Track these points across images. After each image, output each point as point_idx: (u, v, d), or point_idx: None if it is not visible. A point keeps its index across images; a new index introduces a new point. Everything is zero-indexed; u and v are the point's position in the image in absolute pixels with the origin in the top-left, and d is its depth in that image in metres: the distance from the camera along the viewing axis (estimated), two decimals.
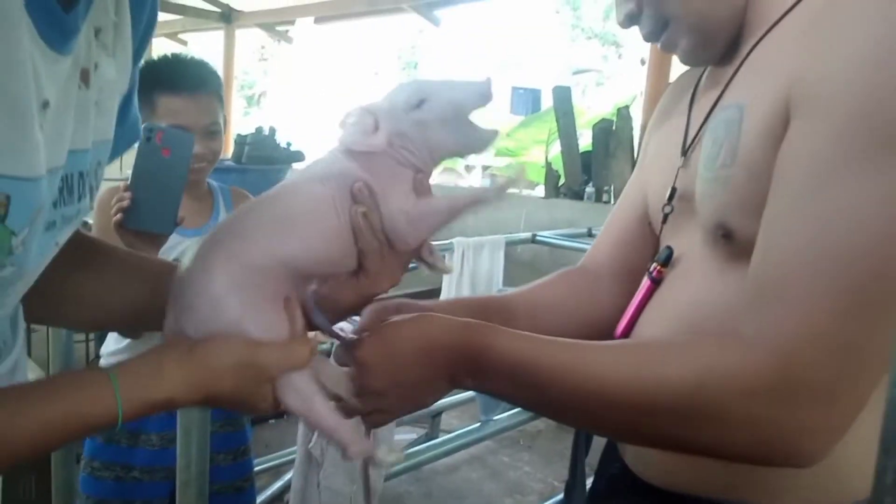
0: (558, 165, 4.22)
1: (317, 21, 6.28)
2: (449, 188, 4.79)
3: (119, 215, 1.11)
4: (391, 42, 17.00)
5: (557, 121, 3.91)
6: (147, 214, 1.10)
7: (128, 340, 1.33)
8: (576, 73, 17.67)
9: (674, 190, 0.71)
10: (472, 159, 9.75)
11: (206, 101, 1.37)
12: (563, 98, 3.88)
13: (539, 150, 5.59)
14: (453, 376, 0.61)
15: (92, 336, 2.77)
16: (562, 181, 3.98)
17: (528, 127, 5.62)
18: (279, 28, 7.15)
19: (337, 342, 0.66)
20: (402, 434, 2.81)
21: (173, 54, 1.47)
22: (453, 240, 2.61)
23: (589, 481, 0.85)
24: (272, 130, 3.83)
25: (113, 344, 1.39)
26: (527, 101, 18.69)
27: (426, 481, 2.66)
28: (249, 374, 0.54)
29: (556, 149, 4.38)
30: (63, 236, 0.55)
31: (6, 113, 0.42)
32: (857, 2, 0.53)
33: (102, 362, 1.42)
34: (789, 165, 0.53)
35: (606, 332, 0.78)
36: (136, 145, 1.07)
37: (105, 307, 0.69)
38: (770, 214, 0.54)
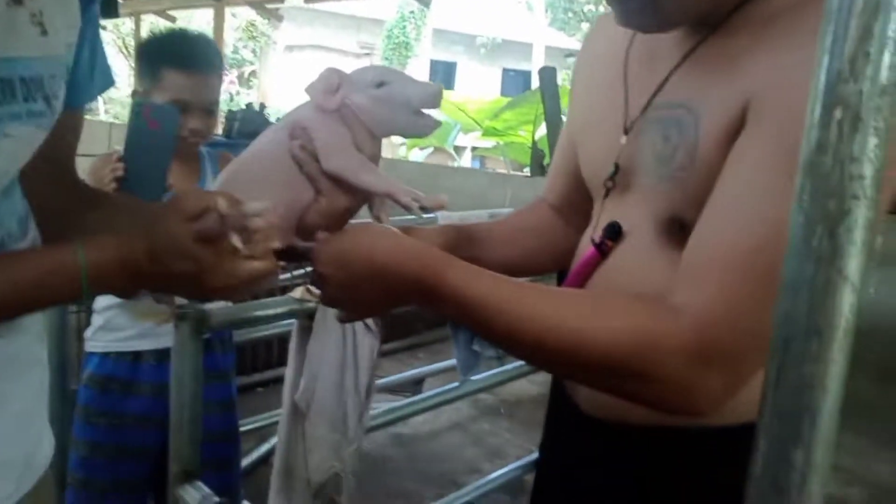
0: (544, 145, 4.28)
1: (307, 0, 6.27)
2: (440, 167, 4.84)
3: (114, 184, 1.18)
4: (382, 22, 16.88)
5: (543, 102, 3.97)
6: (139, 182, 1.18)
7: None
8: (568, 55, 17.66)
9: (616, 167, 0.75)
10: (461, 140, 9.85)
11: (210, 80, 1.44)
12: (548, 79, 3.94)
13: (526, 131, 5.64)
14: (405, 298, 0.66)
15: (84, 306, 2.82)
16: (546, 160, 4.04)
17: (516, 108, 5.66)
18: (269, 6, 7.13)
19: None
20: (386, 402, 2.89)
21: (182, 30, 1.53)
22: (437, 213, 2.67)
23: None
24: (262, 106, 3.88)
25: (105, 299, 1.45)
26: (517, 82, 18.63)
27: (408, 446, 2.75)
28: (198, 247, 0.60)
29: (543, 129, 4.44)
30: (20, 132, 0.62)
31: None
32: (815, 15, 0.56)
33: (94, 318, 1.49)
34: (735, 167, 0.59)
35: (567, 257, 0.88)
36: (128, 120, 1.15)
37: None
38: (709, 207, 0.61)
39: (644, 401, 0.62)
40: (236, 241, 0.59)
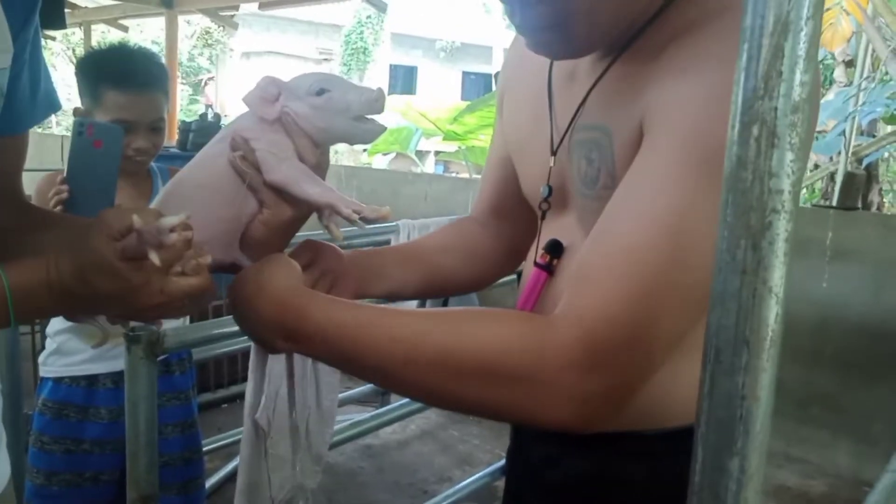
0: None
1: (261, 7, 6.21)
2: (401, 174, 4.83)
3: (59, 207, 1.15)
4: (340, 27, 16.81)
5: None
6: (84, 204, 1.16)
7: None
8: None
9: (550, 188, 0.76)
10: (424, 145, 9.84)
11: (153, 98, 1.41)
12: None
13: (486, 134, 5.67)
14: (273, 340, 0.63)
15: (38, 327, 2.76)
16: None
17: (474, 111, 5.68)
18: (223, 13, 7.05)
19: None
20: (351, 414, 2.87)
21: (121, 45, 1.49)
22: (399, 222, 2.68)
23: None
24: (217, 117, 3.83)
25: (58, 323, 1.42)
26: (478, 85, 18.69)
27: (378, 457, 2.74)
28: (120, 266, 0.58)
29: None
30: None
31: None
32: (711, 41, 0.59)
33: (48, 342, 1.45)
34: (630, 174, 0.61)
35: (494, 271, 0.89)
36: (70, 140, 1.12)
37: None
38: (601, 216, 0.61)
39: (520, 410, 0.58)
40: (154, 257, 0.57)
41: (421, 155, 10.34)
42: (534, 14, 0.65)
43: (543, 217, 0.78)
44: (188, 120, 4.02)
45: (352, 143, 0.73)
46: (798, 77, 0.42)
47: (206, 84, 16.92)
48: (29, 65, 0.72)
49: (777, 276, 0.44)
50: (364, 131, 0.69)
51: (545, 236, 0.78)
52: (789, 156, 0.43)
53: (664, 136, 0.59)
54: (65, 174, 1.17)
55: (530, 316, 0.61)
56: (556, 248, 0.75)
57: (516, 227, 0.91)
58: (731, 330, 0.45)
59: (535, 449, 0.84)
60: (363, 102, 0.67)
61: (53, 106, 0.78)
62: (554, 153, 0.75)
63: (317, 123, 0.68)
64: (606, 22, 0.65)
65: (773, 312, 0.44)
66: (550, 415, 0.57)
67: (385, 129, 0.71)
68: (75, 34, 11.06)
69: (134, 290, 0.59)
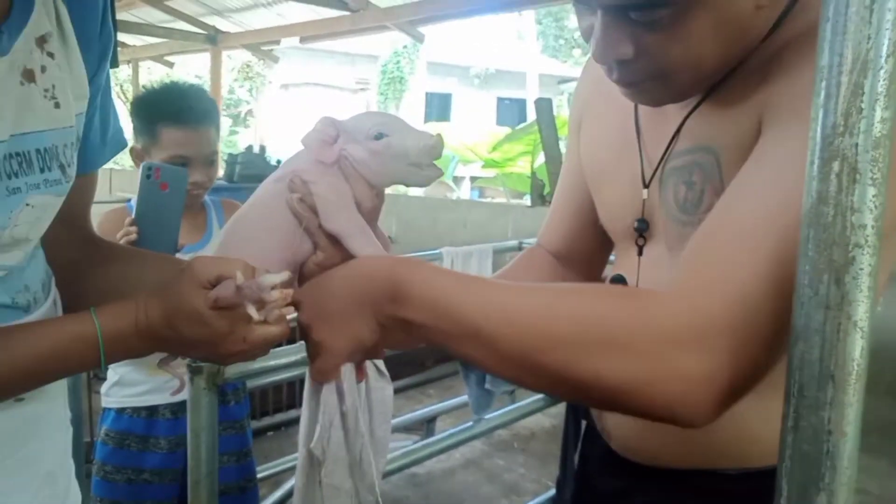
0: (543, 175, 4.32)
1: (302, 40, 6.38)
2: (440, 200, 4.87)
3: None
4: (376, 57, 17.12)
5: (540, 132, 4.01)
6: (151, 243, 1.21)
7: None
8: (560, 82, 17.86)
9: (644, 222, 0.73)
10: (461, 171, 9.93)
11: (207, 133, 1.46)
12: (544, 110, 3.99)
13: (525, 161, 5.69)
14: (375, 303, 0.60)
15: None
16: (546, 190, 4.07)
17: (514, 140, 5.71)
18: (264, 48, 7.25)
19: None
20: (398, 441, 2.87)
21: (173, 83, 1.55)
22: (441, 250, 2.69)
23: None
24: (262, 149, 3.93)
25: None
26: (513, 111, 18.79)
27: (424, 486, 2.73)
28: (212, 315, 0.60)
29: (541, 159, 4.48)
30: (40, 201, 0.65)
31: None
32: (808, 45, 0.55)
33: (110, 373, 1.50)
34: (751, 161, 0.58)
35: None
36: (139, 183, 1.18)
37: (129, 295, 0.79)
38: (723, 196, 0.58)
39: (615, 386, 0.52)
40: (253, 311, 0.60)
41: (457, 180, 10.40)
42: (631, 70, 0.63)
43: (640, 252, 0.75)
44: (234, 153, 4.13)
45: (408, 186, 0.73)
46: (878, 114, 0.42)
47: (245, 116, 17.34)
48: (100, 107, 0.77)
49: (861, 311, 0.44)
50: (422, 177, 0.69)
51: (643, 273, 0.74)
52: (871, 191, 0.43)
53: (788, 121, 0.56)
54: (133, 215, 1.21)
55: (638, 289, 0.58)
56: (619, 282, 0.74)
57: (591, 256, 0.90)
58: (816, 365, 0.45)
59: (603, 481, 0.82)
60: (421, 149, 0.67)
61: (121, 144, 0.83)
62: (646, 185, 0.73)
63: (375, 168, 0.68)
64: (709, 68, 0.62)
65: (858, 347, 0.44)
66: (649, 393, 0.51)
67: (443, 173, 0.71)
68: (122, 71, 11.48)
69: (220, 337, 0.61)
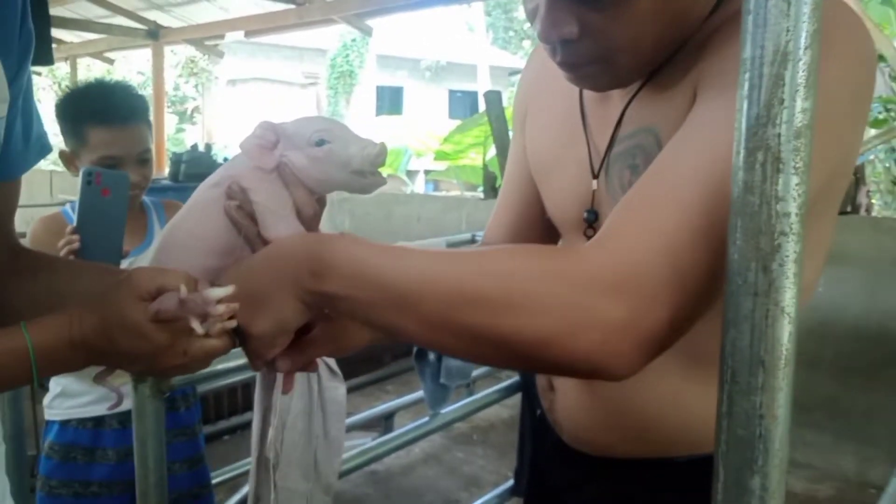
0: (494, 167, 4.34)
1: (247, 35, 6.26)
2: (393, 195, 4.85)
3: (71, 256, 1.15)
4: (325, 51, 16.92)
5: (490, 124, 4.02)
6: (95, 252, 1.16)
7: None
8: (511, 73, 17.97)
9: (594, 213, 0.73)
10: (414, 164, 9.91)
11: (137, 130, 1.40)
12: (494, 102, 4.00)
13: (476, 153, 5.71)
14: (296, 281, 0.59)
15: None
16: (499, 182, 4.09)
17: (464, 131, 5.72)
18: (208, 43, 7.09)
19: None
20: (357, 439, 2.86)
21: (99, 82, 1.48)
22: (396, 245, 2.68)
23: None
24: (208, 147, 3.84)
25: None
26: (465, 104, 18.83)
27: (384, 482, 2.72)
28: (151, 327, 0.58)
29: (493, 151, 4.49)
30: None
31: None
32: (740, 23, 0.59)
33: (52, 385, 1.45)
34: (682, 127, 0.58)
35: None
36: (79, 190, 1.13)
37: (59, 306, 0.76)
38: (651, 166, 0.57)
39: (536, 340, 0.51)
40: (196, 325, 0.58)
41: (411, 174, 10.38)
42: (575, 51, 0.63)
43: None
44: (179, 151, 4.02)
45: (351, 193, 0.72)
46: (799, 104, 0.43)
47: (192, 113, 16.96)
48: (22, 110, 0.73)
49: (789, 297, 0.45)
50: (364, 185, 0.67)
51: None
52: (795, 179, 0.44)
53: (720, 88, 0.56)
54: (74, 224, 1.16)
55: (562, 247, 0.57)
56: None
57: None
58: (746, 351, 0.46)
59: (555, 473, 0.83)
60: (364, 157, 0.65)
61: (45, 149, 0.78)
62: (596, 176, 0.72)
63: (316, 176, 0.66)
64: (651, 50, 0.63)
65: (786, 332, 0.45)
66: (570, 344, 0.50)
67: (386, 181, 0.68)
68: (60, 68, 11.10)
69: (159, 350, 0.59)
